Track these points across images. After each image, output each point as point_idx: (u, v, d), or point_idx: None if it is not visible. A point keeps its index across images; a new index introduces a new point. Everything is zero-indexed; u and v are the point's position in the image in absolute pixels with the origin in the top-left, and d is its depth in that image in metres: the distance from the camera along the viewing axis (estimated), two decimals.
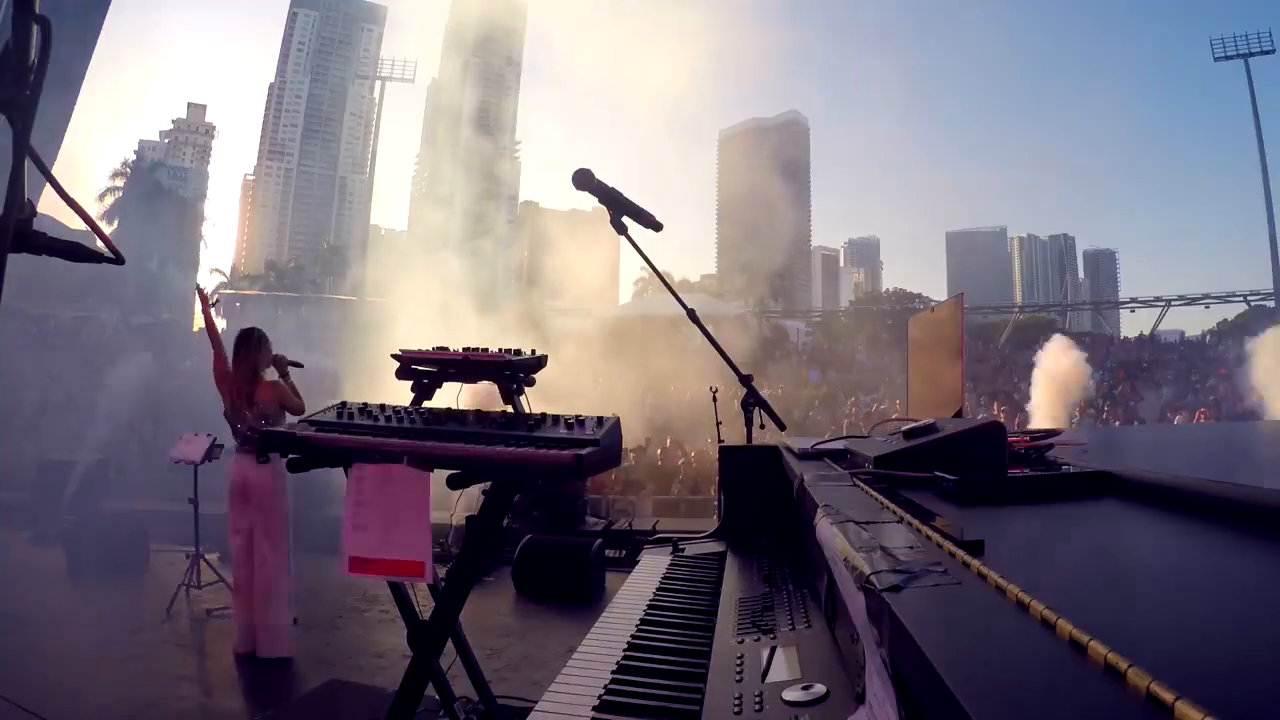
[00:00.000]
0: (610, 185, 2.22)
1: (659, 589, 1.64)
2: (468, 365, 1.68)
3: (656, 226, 2.28)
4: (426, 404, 1.68)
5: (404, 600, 1.62)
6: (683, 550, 1.99)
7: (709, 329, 2.39)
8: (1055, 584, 0.66)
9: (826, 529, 0.89)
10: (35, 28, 0.77)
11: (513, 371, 1.64)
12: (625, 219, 2.23)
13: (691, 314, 2.43)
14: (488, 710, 1.83)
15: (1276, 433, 2.84)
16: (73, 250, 0.91)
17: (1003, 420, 1.70)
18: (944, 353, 2.22)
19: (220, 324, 5.29)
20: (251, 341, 4.24)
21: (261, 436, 1.52)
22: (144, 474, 9.72)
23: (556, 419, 1.54)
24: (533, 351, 1.71)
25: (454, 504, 6.50)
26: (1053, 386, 9.56)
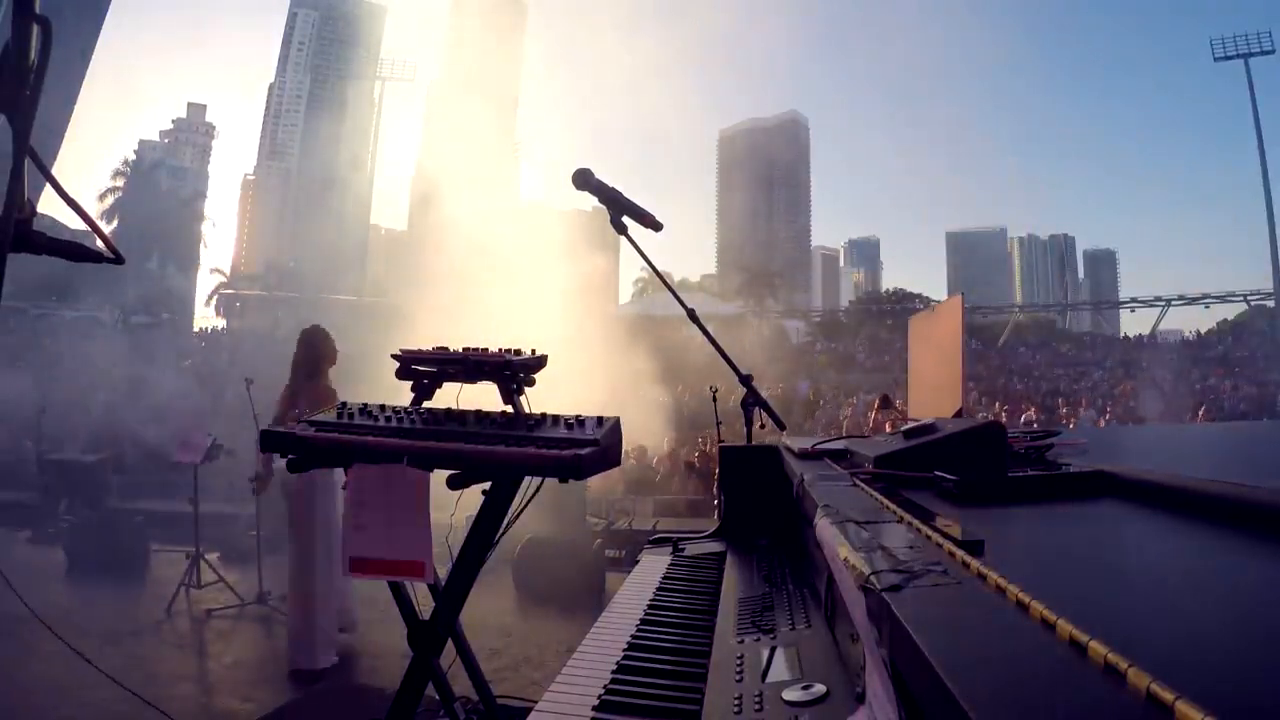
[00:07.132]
0: (610, 185, 2.22)
1: (659, 589, 1.64)
2: (468, 365, 1.67)
3: (656, 226, 2.28)
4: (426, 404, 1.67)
5: (404, 600, 1.62)
6: (683, 550, 1.99)
7: (709, 329, 2.38)
8: (1055, 584, 0.66)
9: (826, 529, 0.89)
10: (35, 28, 0.77)
11: (513, 371, 1.64)
12: (625, 219, 2.23)
13: (691, 314, 2.42)
14: (488, 710, 1.82)
15: (1277, 433, 2.84)
16: (73, 250, 0.90)
17: (1003, 420, 1.70)
18: (944, 353, 2.21)
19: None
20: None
21: (261, 436, 1.52)
22: (144, 474, 9.73)
23: (556, 419, 1.54)
24: (533, 351, 1.70)
25: (454, 504, 6.50)
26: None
